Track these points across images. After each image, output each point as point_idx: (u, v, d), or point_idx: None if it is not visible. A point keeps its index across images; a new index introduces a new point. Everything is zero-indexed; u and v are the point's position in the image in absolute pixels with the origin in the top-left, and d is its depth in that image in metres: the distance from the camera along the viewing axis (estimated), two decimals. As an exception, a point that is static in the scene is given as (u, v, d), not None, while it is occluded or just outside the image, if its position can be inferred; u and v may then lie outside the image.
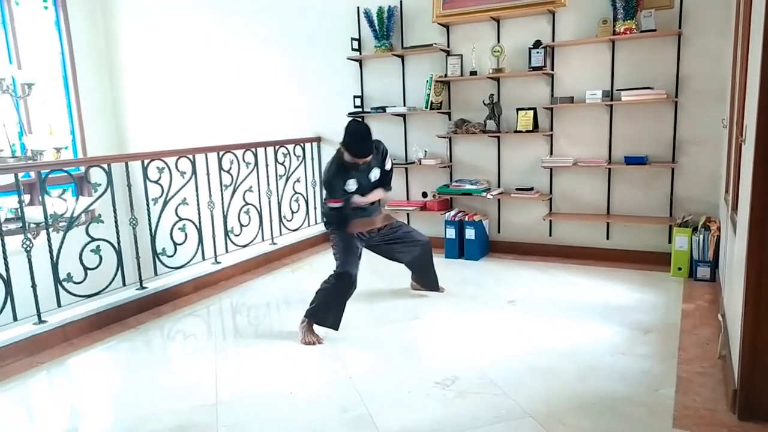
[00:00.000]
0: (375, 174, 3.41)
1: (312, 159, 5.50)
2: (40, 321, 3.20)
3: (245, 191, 4.66)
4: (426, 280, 3.81)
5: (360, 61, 5.16)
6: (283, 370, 2.82)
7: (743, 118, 2.56)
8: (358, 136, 3.19)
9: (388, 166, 3.49)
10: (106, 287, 3.62)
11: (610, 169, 4.36)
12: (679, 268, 3.96)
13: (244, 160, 4.66)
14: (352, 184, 3.28)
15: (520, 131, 4.47)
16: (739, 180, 2.52)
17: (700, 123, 4.06)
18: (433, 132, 4.93)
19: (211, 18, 5.82)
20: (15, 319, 3.15)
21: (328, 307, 3.15)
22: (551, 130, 4.51)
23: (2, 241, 3.09)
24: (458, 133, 4.74)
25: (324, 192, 3.40)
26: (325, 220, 3.51)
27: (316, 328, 3.16)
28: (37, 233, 3.62)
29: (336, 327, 3.14)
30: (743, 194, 2.31)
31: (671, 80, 4.07)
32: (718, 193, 3.96)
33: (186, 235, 4.14)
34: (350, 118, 5.21)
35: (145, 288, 3.78)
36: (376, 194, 3.46)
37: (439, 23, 4.71)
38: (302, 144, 5.39)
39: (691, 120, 4.09)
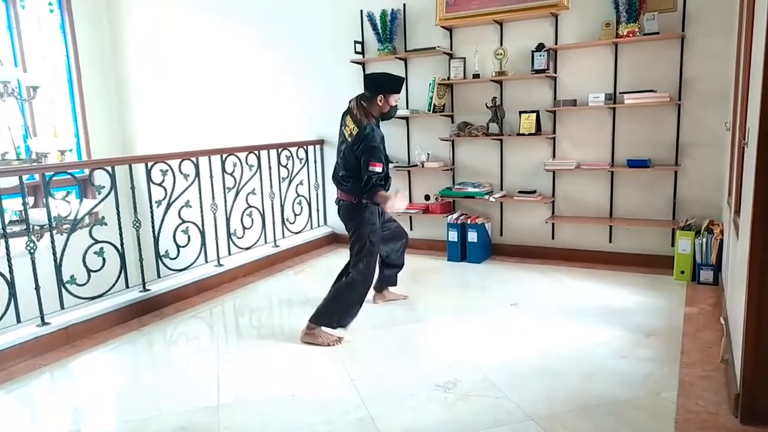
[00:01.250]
0: None
1: (315, 162, 5.51)
2: (44, 323, 3.21)
3: (248, 194, 4.67)
4: (392, 274, 3.73)
5: (363, 64, 5.17)
6: (284, 372, 2.82)
7: (746, 121, 2.56)
8: (390, 74, 3.31)
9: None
10: (109, 289, 3.63)
11: (612, 172, 4.35)
12: (682, 272, 3.95)
13: (247, 163, 4.68)
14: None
15: (523, 134, 4.48)
16: (742, 183, 2.52)
17: (703, 126, 4.05)
18: (435, 135, 4.93)
19: (215, 21, 5.84)
20: (18, 320, 3.17)
21: (351, 309, 3.20)
22: (554, 133, 4.51)
23: (6, 243, 3.11)
24: (461, 136, 4.74)
25: (366, 157, 3.02)
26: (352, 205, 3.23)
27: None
28: (41, 235, 3.63)
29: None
30: (746, 197, 2.31)
31: (674, 83, 4.07)
32: (721, 196, 3.95)
33: (189, 237, 4.15)
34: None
35: (148, 290, 3.79)
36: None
37: (442, 26, 4.72)
38: (305, 147, 5.40)
39: (694, 123, 4.08)
